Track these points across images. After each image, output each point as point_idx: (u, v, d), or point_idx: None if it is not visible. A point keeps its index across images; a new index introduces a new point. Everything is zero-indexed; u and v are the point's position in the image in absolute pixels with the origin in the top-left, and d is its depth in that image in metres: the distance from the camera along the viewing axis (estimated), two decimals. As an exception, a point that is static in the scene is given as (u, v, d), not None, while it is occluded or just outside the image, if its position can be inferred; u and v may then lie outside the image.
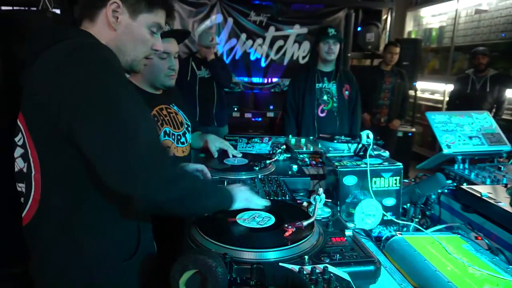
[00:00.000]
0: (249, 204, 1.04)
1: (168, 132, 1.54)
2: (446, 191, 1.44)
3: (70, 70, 0.79)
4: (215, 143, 1.72)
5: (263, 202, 1.06)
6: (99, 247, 0.90)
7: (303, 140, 2.07)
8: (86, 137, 0.79)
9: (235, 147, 1.80)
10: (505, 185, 1.32)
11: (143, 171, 0.78)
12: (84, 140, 0.79)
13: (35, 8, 2.64)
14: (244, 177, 1.43)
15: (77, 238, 0.88)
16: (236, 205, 1.01)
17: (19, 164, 0.91)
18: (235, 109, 4.81)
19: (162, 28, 1.01)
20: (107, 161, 0.78)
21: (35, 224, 0.90)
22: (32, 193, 0.88)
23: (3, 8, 2.66)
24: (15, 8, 2.66)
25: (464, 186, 1.35)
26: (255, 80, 4.95)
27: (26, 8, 2.61)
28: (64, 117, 0.79)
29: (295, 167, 1.56)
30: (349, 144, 1.84)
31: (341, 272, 0.78)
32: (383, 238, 1.16)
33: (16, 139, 0.91)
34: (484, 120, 1.78)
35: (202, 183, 0.97)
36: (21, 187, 0.92)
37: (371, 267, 0.83)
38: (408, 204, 1.41)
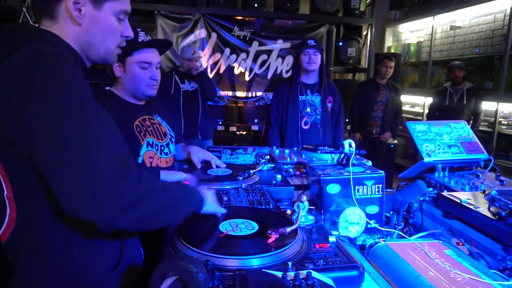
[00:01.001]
0: (216, 209, 1.03)
1: (151, 142, 1.52)
2: (427, 198, 1.46)
3: (24, 84, 0.73)
4: (198, 154, 1.72)
5: (222, 210, 1.06)
6: (79, 261, 0.87)
7: (287, 151, 2.08)
8: (41, 159, 0.72)
9: (219, 158, 1.80)
10: (483, 192, 1.35)
11: (99, 196, 0.70)
12: (40, 162, 0.73)
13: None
14: (228, 187, 1.42)
15: (57, 252, 0.85)
16: (206, 208, 0.99)
17: None
18: (220, 122, 4.82)
19: (128, 13, 0.95)
20: (62, 185, 0.71)
21: (14, 240, 0.86)
22: (8, 212, 0.84)
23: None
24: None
25: (445, 193, 1.37)
26: (239, 94, 4.99)
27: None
28: (21, 135, 0.74)
29: (279, 177, 1.56)
30: (332, 154, 1.86)
31: (325, 278, 0.77)
32: (367, 246, 1.17)
33: None
34: (461, 129, 1.83)
35: (171, 195, 0.86)
36: None
37: (355, 272, 0.83)
38: (391, 212, 1.42)
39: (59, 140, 0.71)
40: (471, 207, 1.20)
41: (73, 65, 0.80)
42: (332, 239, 0.96)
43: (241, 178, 1.50)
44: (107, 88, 1.57)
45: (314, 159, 1.89)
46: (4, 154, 0.80)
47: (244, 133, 4.87)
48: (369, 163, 1.69)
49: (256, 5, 4.72)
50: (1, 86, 0.76)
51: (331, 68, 5.08)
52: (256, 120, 4.84)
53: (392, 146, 4.71)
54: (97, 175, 0.70)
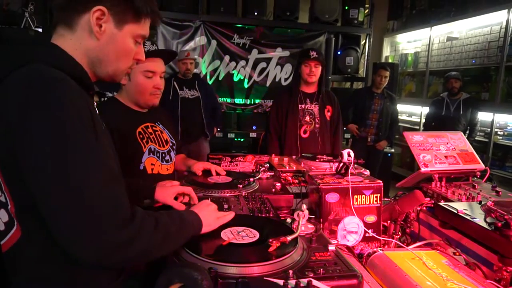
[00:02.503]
0: (221, 222, 1.02)
1: (153, 149, 1.54)
2: (425, 208, 1.48)
3: (23, 110, 0.72)
4: (199, 166, 1.73)
5: (231, 215, 1.05)
6: (84, 272, 0.86)
7: (286, 159, 2.10)
8: (36, 189, 0.73)
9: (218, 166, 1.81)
10: (480, 202, 1.37)
11: (89, 236, 0.70)
12: (35, 191, 0.73)
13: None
14: (228, 194, 1.43)
15: (60, 264, 0.84)
16: (205, 229, 0.97)
17: None
18: (218, 129, 4.83)
19: (145, 38, 0.96)
20: (54, 220, 0.71)
21: (17, 250, 0.85)
22: (15, 225, 0.82)
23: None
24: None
25: (442, 203, 1.39)
26: (238, 101, 5.02)
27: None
28: (19, 158, 0.73)
29: (278, 185, 1.57)
30: (331, 163, 1.88)
31: (325, 286, 0.78)
32: (365, 255, 1.18)
33: None
34: (458, 140, 1.86)
35: (164, 230, 0.83)
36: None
37: (354, 281, 0.84)
38: (389, 221, 1.44)
39: (50, 175, 0.71)
40: (467, 217, 1.22)
41: (75, 92, 0.78)
42: (331, 248, 0.97)
43: (241, 186, 1.52)
44: (111, 94, 1.59)
45: (312, 167, 1.91)
46: (5, 168, 0.80)
47: (242, 140, 4.88)
48: (368, 172, 1.71)
49: (255, 13, 4.77)
50: (3, 103, 0.75)
51: (329, 77, 5.12)
52: (254, 127, 4.86)
53: (389, 155, 4.74)
54: (88, 216, 0.70)
